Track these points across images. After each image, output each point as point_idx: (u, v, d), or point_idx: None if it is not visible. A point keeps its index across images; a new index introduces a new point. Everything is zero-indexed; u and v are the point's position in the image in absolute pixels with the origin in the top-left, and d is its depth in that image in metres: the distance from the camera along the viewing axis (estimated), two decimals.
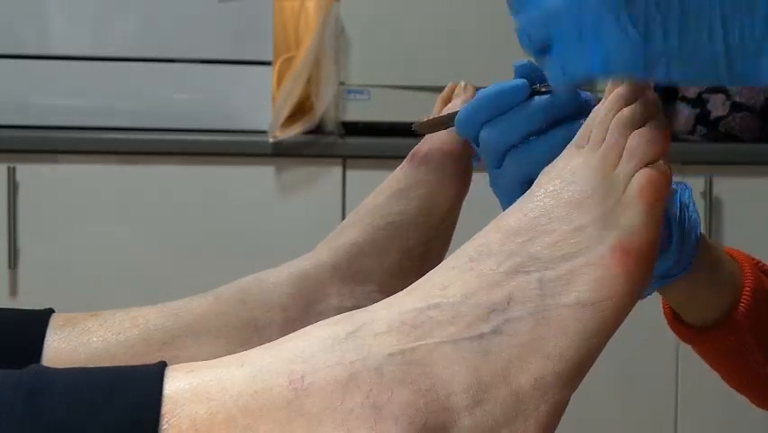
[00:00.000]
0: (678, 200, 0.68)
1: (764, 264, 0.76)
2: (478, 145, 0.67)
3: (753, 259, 0.75)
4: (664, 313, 0.77)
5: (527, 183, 0.59)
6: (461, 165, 0.74)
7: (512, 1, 0.55)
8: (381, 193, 0.74)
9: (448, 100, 0.77)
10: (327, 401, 0.48)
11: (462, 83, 0.77)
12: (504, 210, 0.65)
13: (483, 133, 0.66)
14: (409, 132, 0.73)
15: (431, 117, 0.73)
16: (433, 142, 0.74)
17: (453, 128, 0.68)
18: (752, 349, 0.73)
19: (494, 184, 0.68)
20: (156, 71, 1.98)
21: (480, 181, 0.75)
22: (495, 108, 0.65)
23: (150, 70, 1.98)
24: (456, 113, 0.68)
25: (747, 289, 0.71)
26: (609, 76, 0.52)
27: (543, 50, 0.54)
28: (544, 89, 0.64)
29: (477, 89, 0.74)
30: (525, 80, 0.64)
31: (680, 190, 0.69)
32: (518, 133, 0.64)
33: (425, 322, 0.51)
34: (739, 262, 0.73)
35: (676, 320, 0.76)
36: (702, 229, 0.69)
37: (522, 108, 0.64)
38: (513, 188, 0.65)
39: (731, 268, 0.72)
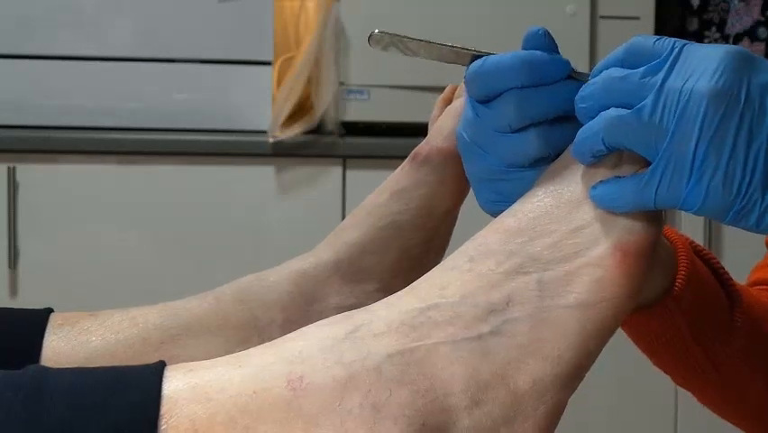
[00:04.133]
0: None
1: (698, 245, 0.73)
2: (484, 102, 0.60)
3: (687, 240, 0.72)
4: None
5: (538, 161, 0.57)
6: (461, 166, 0.74)
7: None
8: (382, 193, 0.74)
9: (448, 102, 0.77)
10: (326, 402, 0.48)
11: (463, 84, 0.77)
12: (471, 175, 0.62)
13: (507, 100, 0.58)
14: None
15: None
16: (434, 143, 0.74)
17: (466, 78, 0.61)
18: (684, 336, 0.70)
19: (487, 146, 0.61)
20: (156, 71, 1.98)
21: None
22: (528, 77, 0.58)
23: (150, 70, 1.98)
24: (474, 56, 0.61)
25: (682, 272, 0.68)
26: (696, 214, 0.52)
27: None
28: (577, 75, 0.59)
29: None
30: (568, 60, 0.59)
31: None
32: (549, 112, 0.58)
33: (424, 322, 0.51)
34: (674, 244, 0.70)
35: None
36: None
37: (563, 87, 0.58)
38: (520, 160, 0.59)
39: (666, 250, 0.69)
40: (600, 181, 0.54)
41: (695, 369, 0.73)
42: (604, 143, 0.53)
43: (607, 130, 0.53)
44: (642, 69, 0.52)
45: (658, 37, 0.54)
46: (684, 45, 0.52)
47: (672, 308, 0.68)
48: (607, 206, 0.54)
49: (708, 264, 0.72)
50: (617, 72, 0.54)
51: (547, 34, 0.59)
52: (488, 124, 0.60)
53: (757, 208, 0.50)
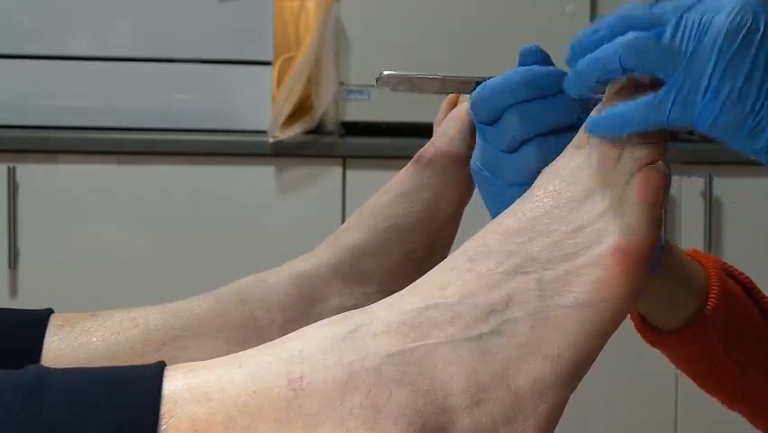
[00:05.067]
0: None
1: (730, 265, 0.75)
2: (489, 123, 0.64)
3: (718, 261, 0.74)
4: (630, 316, 0.76)
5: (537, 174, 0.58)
6: (465, 170, 0.74)
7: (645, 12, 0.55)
8: (385, 195, 0.74)
9: (454, 104, 0.77)
10: (326, 402, 0.48)
11: None
12: (486, 202, 0.66)
13: (510, 117, 0.62)
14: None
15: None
16: (438, 146, 0.74)
17: (467, 104, 0.64)
18: (717, 352, 0.72)
19: (494, 169, 0.65)
20: (156, 71, 1.98)
21: None
22: (526, 93, 0.62)
23: (150, 70, 1.98)
24: (477, 82, 0.64)
25: (714, 291, 0.71)
26: (706, 132, 0.53)
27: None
28: None
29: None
30: (564, 72, 0.62)
31: None
32: (549, 124, 0.62)
33: (424, 323, 0.51)
34: (703, 265, 0.72)
35: (642, 323, 0.75)
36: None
37: (560, 99, 0.62)
38: (524, 178, 0.62)
39: (695, 270, 0.72)
40: (608, 106, 0.55)
41: (725, 381, 0.74)
42: (620, 62, 0.54)
43: (625, 49, 0.54)
44: (658, 4, 0.55)
45: None
46: None
47: (706, 326, 0.70)
48: (610, 128, 0.55)
49: (739, 283, 0.74)
50: (632, 7, 0.56)
51: (540, 50, 0.63)
52: (494, 145, 0.64)
53: (767, 131, 0.52)
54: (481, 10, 2.01)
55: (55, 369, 0.49)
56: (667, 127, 0.54)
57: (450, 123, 0.74)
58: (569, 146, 0.58)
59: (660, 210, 0.54)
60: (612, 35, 0.56)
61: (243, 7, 1.98)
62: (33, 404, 0.46)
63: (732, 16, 0.52)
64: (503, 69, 0.65)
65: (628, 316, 0.54)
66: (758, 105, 0.52)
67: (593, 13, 2.02)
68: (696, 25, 0.52)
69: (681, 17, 0.53)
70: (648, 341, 0.75)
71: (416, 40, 2.00)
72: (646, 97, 0.54)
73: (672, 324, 0.73)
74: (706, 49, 0.52)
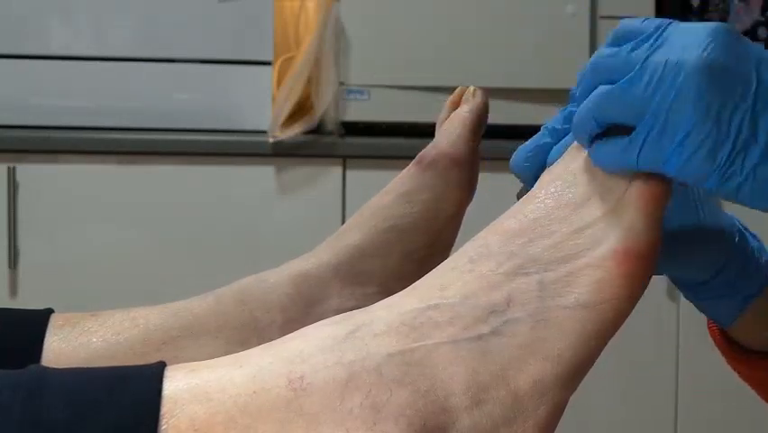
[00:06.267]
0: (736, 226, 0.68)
1: None
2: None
3: None
4: (710, 333, 0.74)
5: None
6: (467, 172, 0.74)
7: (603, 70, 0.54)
8: (386, 195, 0.74)
9: (456, 105, 0.77)
10: (326, 402, 0.48)
11: (472, 88, 0.76)
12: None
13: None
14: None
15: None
16: (440, 147, 0.74)
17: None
18: None
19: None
20: (156, 71, 1.98)
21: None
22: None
23: (150, 70, 1.98)
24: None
25: None
26: (675, 178, 0.52)
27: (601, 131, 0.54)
28: None
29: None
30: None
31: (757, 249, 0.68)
32: None
33: (425, 323, 0.51)
34: None
35: (724, 340, 0.72)
36: None
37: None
38: None
39: None
40: (597, 142, 0.55)
41: None
42: (595, 120, 0.54)
43: (596, 106, 0.53)
44: (629, 44, 0.53)
45: (645, 17, 0.55)
46: (671, 22, 0.53)
47: None
48: (597, 164, 0.54)
49: None
50: (605, 51, 0.55)
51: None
52: None
53: (736, 177, 0.50)
54: (481, 10, 2.01)
55: (55, 369, 0.49)
56: (638, 170, 0.53)
57: (452, 124, 0.74)
58: (570, 148, 0.58)
59: (661, 211, 0.54)
60: (590, 88, 0.55)
61: (243, 7, 1.98)
62: (33, 404, 0.46)
63: (699, 53, 0.50)
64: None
65: (629, 315, 0.54)
66: (726, 150, 0.50)
67: (593, 14, 2.02)
68: (663, 66, 0.51)
69: (646, 60, 0.51)
70: (734, 361, 0.73)
71: (415, 40, 2.00)
72: (623, 138, 0.53)
73: (760, 344, 0.71)
74: (671, 91, 0.50)
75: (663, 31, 0.53)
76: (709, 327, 0.74)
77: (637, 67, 0.52)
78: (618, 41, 0.55)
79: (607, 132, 0.54)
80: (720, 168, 0.50)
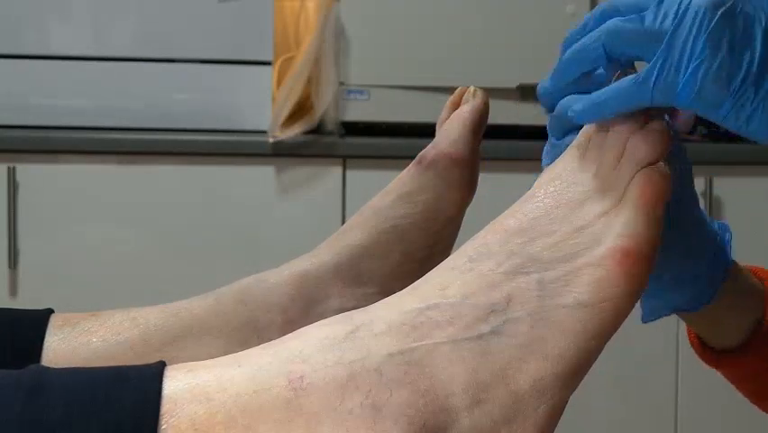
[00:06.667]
0: (716, 240, 0.68)
1: None
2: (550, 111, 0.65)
3: None
4: (689, 338, 0.76)
5: None
6: (467, 172, 0.74)
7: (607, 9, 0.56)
8: (386, 195, 0.74)
9: (457, 105, 0.77)
10: (326, 401, 0.48)
11: (472, 88, 0.77)
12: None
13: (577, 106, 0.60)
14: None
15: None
16: (440, 147, 0.74)
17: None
18: None
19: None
20: (156, 71, 1.98)
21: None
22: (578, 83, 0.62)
23: (150, 70, 1.98)
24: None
25: None
26: (687, 108, 0.54)
27: (617, 64, 0.56)
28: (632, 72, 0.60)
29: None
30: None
31: (720, 232, 0.69)
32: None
33: (425, 322, 0.51)
34: (764, 281, 0.72)
35: (699, 344, 0.74)
36: None
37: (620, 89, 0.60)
38: None
39: (756, 290, 0.71)
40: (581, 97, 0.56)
41: None
42: (604, 48, 0.55)
43: (608, 35, 0.55)
44: None
45: None
46: None
47: (763, 344, 0.70)
48: (595, 111, 0.56)
49: None
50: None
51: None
52: (551, 133, 0.65)
53: (749, 105, 0.52)
54: (481, 10, 2.01)
55: (55, 369, 0.49)
56: (651, 105, 0.54)
57: (453, 124, 0.74)
58: (570, 146, 0.58)
59: (661, 211, 0.54)
60: (598, 26, 0.56)
61: (243, 7, 1.98)
62: (33, 404, 0.46)
63: None
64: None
65: (629, 314, 0.54)
66: (737, 80, 0.52)
67: None
68: (676, 4, 0.53)
69: (662, 1, 0.54)
70: (708, 363, 0.74)
71: (415, 40, 2.00)
72: (629, 78, 0.54)
73: (731, 342, 0.72)
74: (686, 26, 0.53)
75: None
76: (687, 333, 0.75)
77: (653, 5, 0.54)
78: None
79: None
80: (734, 94, 0.52)
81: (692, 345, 0.75)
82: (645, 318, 0.69)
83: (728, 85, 0.52)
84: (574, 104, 0.57)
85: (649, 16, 0.54)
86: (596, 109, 0.56)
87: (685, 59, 0.52)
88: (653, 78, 0.53)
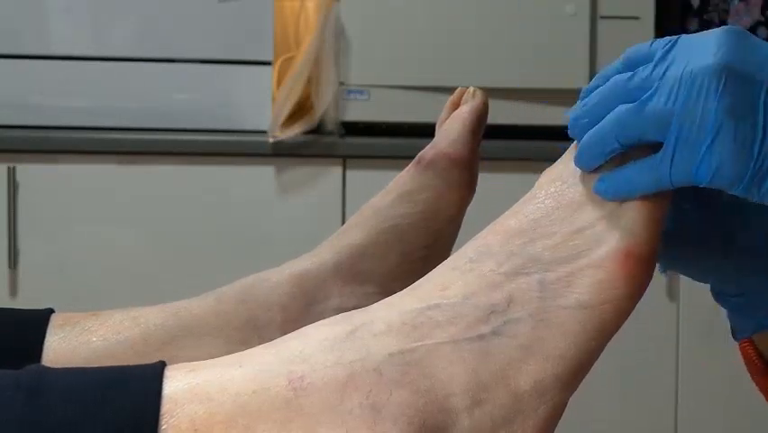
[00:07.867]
0: None
1: None
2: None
3: None
4: (744, 354, 0.71)
5: None
6: (466, 172, 0.74)
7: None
8: (386, 195, 0.74)
9: (456, 105, 0.77)
10: (326, 401, 0.48)
11: (471, 88, 0.77)
12: None
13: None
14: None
15: None
16: (440, 147, 0.74)
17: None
18: None
19: None
20: (156, 71, 1.98)
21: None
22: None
23: (150, 70, 1.98)
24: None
25: None
26: (709, 186, 0.51)
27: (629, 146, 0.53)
28: None
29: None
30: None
31: None
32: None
33: (425, 323, 0.51)
34: None
35: (762, 362, 0.70)
36: None
37: None
38: None
39: None
40: (603, 175, 0.54)
41: None
42: (618, 141, 0.53)
43: (620, 126, 0.53)
44: (645, 66, 0.53)
45: (653, 40, 0.55)
46: (678, 37, 0.53)
47: None
48: (618, 193, 0.53)
49: None
50: (620, 76, 0.54)
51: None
52: None
53: None
54: (481, 10, 2.01)
55: (55, 368, 0.49)
56: (672, 187, 0.52)
57: (452, 124, 0.74)
58: (570, 147, 0.58)
59: (662, 212, 0.54)
60: (605, 111, 0.54)
61: (243, 7, 1.98)
62: (33, 404, 0.46)
63: (713, 58, 0.50)
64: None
65: (629, 315, 0.54)
66: (755, 150, 0.50)
67: (593, 14, 2.02)
68: (680, 77, 0.51)
69: (665, 74, 0.52)
70: (755, 374, 0.71)
71: (415, 40, 2.00)
72: (648, 159, 0.52)
73: None
74: (692, 100, 0.50)
75: (673, 46, 0.53)
76: (744, 351, 0.72)
77: (657, 83, 0.51)
78: (630, 64, 0.55)
79: (601, 167, 0.54)
80: (753, 166, 0.50)
81: (748, 362, 0.72)
82: (739, 336, 0.67)
83: (747, 156, 0.50)
84: (598, 182, 0.55)
85: (653, 96, 0.51)
86: (617, 189, 0.54)
87: (698, 137, 0.50)
88: (670, 161, 0.51)
